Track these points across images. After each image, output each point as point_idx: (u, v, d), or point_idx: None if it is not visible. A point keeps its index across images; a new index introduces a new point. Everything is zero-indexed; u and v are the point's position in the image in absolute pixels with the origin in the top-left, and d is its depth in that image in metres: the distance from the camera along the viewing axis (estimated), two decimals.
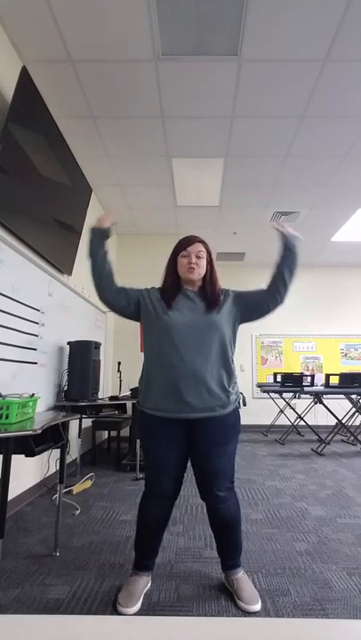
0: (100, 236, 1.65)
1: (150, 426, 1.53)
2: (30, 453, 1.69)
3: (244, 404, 1.64)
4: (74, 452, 3.40)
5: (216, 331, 1.51)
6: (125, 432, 4.15)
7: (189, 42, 2.31)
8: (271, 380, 5.80)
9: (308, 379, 5.35)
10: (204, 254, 1.61)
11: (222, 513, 1.53)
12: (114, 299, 1.58)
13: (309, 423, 5.44)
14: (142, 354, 1.64)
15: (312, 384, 5.32)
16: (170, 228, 5.24)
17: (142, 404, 1.57)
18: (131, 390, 3.68)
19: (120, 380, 4.58)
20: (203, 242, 1.64)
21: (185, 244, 1.62)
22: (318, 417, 5.40)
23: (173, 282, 1.61)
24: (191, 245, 1.60)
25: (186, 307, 1.56)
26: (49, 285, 3.06)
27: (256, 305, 1.62)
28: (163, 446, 1.51)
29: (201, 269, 1.60)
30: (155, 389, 1.51)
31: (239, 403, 1.61)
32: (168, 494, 1.53)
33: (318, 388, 4.86)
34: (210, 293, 1.59)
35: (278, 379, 5.32)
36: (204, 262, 1.61)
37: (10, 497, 1.82)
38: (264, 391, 5.46)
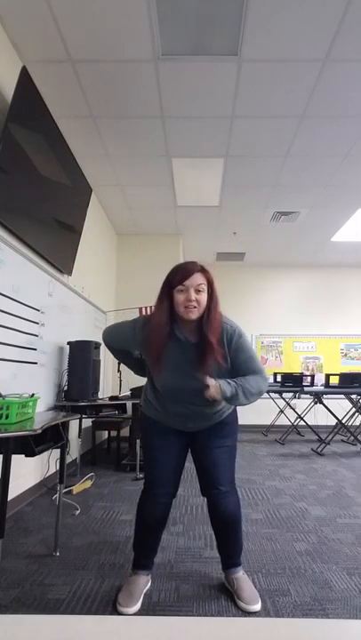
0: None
1: (152, 424, 1.56)
2: (30, 453, 1.69)
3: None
4: (74, 452, 3.40)
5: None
6: (125, 432, 4.15)
7: (189, 42, 2.31)
8: (271, 380, 5.79)
9: (308, 379, 5.34)
10: (204, 287, 1.38)
11: (223, 509, 1.53)
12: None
13: (309, 423, 5.43)
14: None
15: (312, 384, 5.32)
16: (170, 228, 5.24)
17: (146, 412, 1.59)
18: (131, 390, 3.67)
19: (120, 380, 4.57)
20: (203, 270, 1.40)
21: (182, 276, 1.37)
22: (318, 417, 5.39)
23: (167, 323, 1.39)
24: (189, 278, 1.36)
25: (177, 361, 1.40)
26: (49, 285, 3.06)
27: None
28: (163, 442, 1.53)
29: (201, 307, 1.38)
30: (158, 408, 1.53)
31: None
32: (167, 490, 1.53)
33: (318, 388, 4.86)
34: (206, 341, 1.36)
35: (278, 379, 5.32)
36: (204, 297, 1.38)
37: (10, 497, 1.82)
38: None
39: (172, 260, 1.74)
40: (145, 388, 1.62)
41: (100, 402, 3.44)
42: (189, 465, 1.58)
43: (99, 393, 3.54)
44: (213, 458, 1.52)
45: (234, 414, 1.60)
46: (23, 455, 1.70)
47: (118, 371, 4.65)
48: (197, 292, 1.36)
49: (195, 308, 1.36)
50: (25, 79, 2.25)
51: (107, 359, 4.88)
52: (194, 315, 1.36)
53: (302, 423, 5.47)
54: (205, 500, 1.58)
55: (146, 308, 4.46)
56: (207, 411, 1.49)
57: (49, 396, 3.06)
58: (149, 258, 5.32)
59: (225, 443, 1.53)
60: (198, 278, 1.37)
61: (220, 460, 1.52)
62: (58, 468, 2.26)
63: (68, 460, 3.00)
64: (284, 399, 5.51)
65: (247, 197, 4.30)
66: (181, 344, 1.41)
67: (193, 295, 1.35)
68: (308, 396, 5.02)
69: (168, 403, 1.50)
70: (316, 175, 3.81)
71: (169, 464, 1.52)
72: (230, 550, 1.59)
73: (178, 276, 1.38)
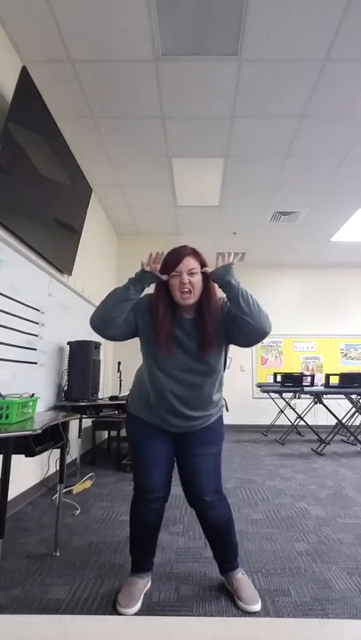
0: (147, 280, 1.40)
1: (140, 423, 1.52)
2: (30, 453, 1.69)
3: (227, 410, 1.64)
4: (74, 452, 3.40)
5: (208, 372, 1.43)
6: (125, 432, 4.15)
7: (189, 42, 2.31)
8: (271, 380, 5.80)
9: (308, 379, 5.35)
10: (197, 269, 1.38)
11: (212, 520, 1.52)
12: (119, 334, 1.43)
13: (309, 423, 5.43)
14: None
15: (312, 384, 5.33)
16: (170, 228, 5.23)
17: (133, 411, 1.56)
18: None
19: (120, 380, 4.58)
20: (194, 252, 1.41)
21: (174, 261, 1.37)
22: (318, 417, 5.40)
23: (166, 310, 1.39)
24: (181, 262, 1.36)
25: (180, 347, 1.40)
26: (49, 285, 3.06)
27: (237, 325, 1.37)
28: (151, 441, 1.50)
29: (197, 290, 1.38)
30: (147, 406, 1.50)
31: (222, 409, 1.61)
32: (158, 495, 1.49)
33: (318, 388, 4.86)
34: (208, 326, 1.37)
35: (278, 379, 5.32)
36: (198, 279, 1.38)
37: (10, 497, 1.82)
38: (264, 391, 5.46)
39: None
40: (134, 385, 1.59)
41: (100, 402, 3.44)
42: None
43: (99, 393, 3.54)
44: (197, 466, 1.48)
45: (220, 420, 1.57)
46: (23, 455, 1.70)
47: (118, 371, 4.66)
48: (191, 274, 1.36)
49: (189, 291, 1.35)
50: (25, 79, 2.25)
51: (107, 359, 4.88)
52: (190, 300, 1.37)
53: (302, 423, 5.47)
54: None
55: None
56: (199, 393, 1.43)
57: (49, 396, 3.06)
58: None
59: (209, 450, 1.50)
60: (190, 262, 1.37)
61: (203, 469, 1.49)
62: (58, 468, 2.26)
63: (68, 459, 3.00)
64: (284, 399, 5.51)
65: (247, 197, 4.30)
66: (184, 332, 1.41)
67: (186, 278, 1.35)
68: (308, 396, 5.03)
69: (162, 388, 1.43)
70: (316, 175, 3.81)
71: (159, 467, 1.49)
72: (225, 556, 1.58)
73: (170, 262, 1.38)
